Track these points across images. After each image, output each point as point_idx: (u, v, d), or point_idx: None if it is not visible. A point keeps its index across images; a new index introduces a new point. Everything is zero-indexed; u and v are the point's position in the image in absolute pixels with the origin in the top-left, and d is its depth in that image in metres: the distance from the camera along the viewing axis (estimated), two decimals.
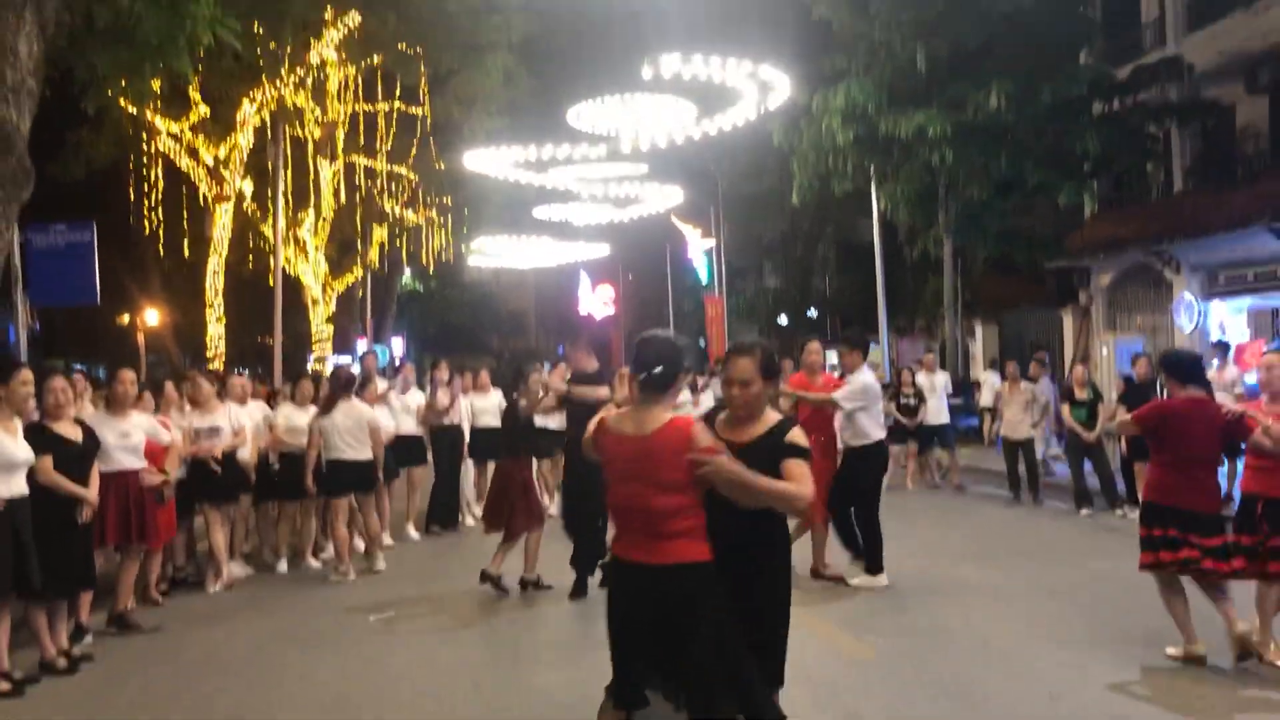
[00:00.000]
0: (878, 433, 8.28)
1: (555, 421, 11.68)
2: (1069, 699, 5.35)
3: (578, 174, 21.87)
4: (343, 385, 9.39)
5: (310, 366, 21.90)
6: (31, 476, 6.15)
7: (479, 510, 12.28)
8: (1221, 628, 5.85)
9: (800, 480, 3.68)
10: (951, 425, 14.83)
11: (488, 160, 20.52)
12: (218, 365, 17.23)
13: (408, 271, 35.05)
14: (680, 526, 3.69)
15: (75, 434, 6.66)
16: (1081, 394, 12.15)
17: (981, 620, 7.01)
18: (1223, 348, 12.17)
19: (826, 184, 20.92)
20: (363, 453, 9.19)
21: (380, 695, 5.83)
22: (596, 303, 44.66)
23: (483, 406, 12.12)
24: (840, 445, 8.59)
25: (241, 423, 9.17)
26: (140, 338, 33.74)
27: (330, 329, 23.76)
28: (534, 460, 8.15)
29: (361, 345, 30.84)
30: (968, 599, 7.67)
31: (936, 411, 14.32)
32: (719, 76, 15.90)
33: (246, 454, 9.21)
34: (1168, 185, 22.54)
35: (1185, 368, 6.22)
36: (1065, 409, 12.28)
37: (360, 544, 9.74)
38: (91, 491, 6.60)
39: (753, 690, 3.64)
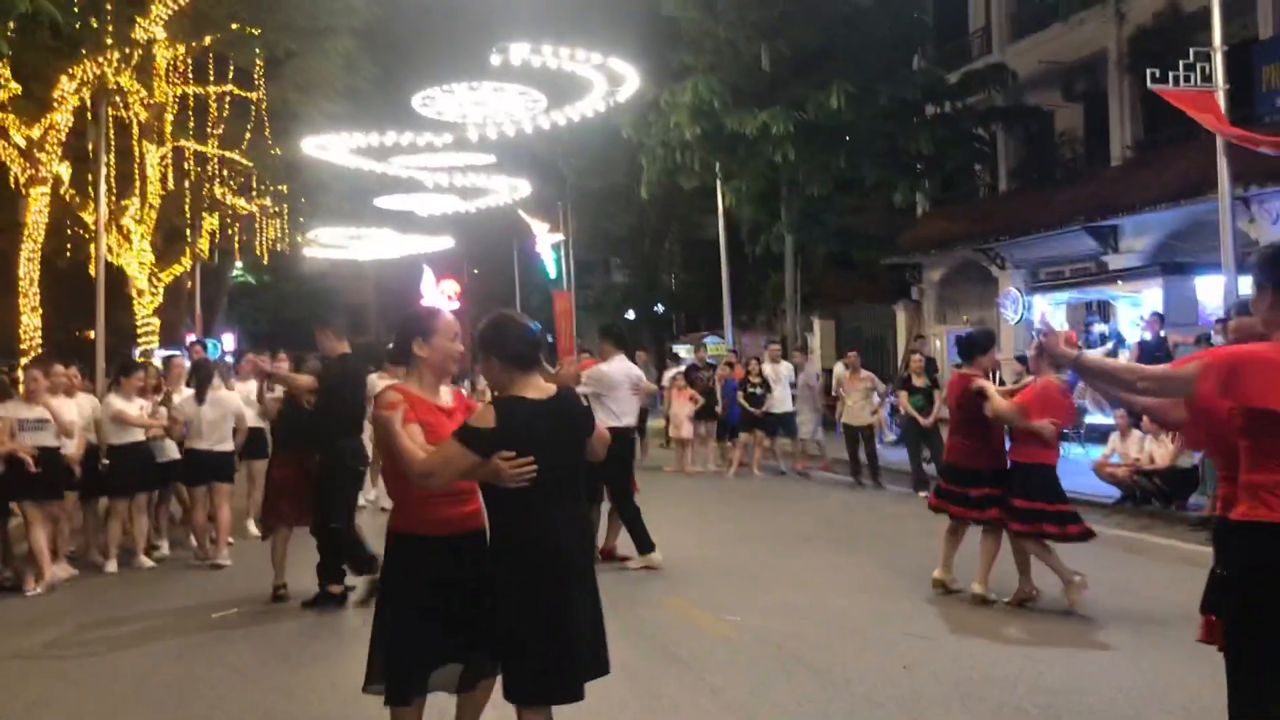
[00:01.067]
0: (612, 420, 8.44)
1: None
2: (920, 668, 5.51)
3: (422, 163, 21.42)
4: (209, 375, 9.41)
5: (135, 360, 20.73)
6: None
7: (371, 493, 12.00)
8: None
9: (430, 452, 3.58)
10: (794, 413, 15.20)
11: (327, 146, 19.87)
12: (32, 359, 16.06)
13: (239, 264, 33.64)
14: (394, 497, 3.95)
15: None
16: (919, 381, 12.65)
17: (833, 599, 7.18)
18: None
19: (674, 180, 21.16)
20: (225, 444, 9.22)
21: (228, 693, 5.53)
22: (440, 297, 43.87)
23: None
24: None
25: (69, 416, 8.58)
26: None
27: (157, 322, 22.54)
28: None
29: (190, 340, 29.50)
30: (818, 579, 7.84)
31: (781, 400, 14.65)
32: (568, 67, 15.84)
33: (72, 448, 8.62)
34: (993, 186, 23.74)
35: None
36: (903, 396, 12.75)
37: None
38: None
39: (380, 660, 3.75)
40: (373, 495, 12.65)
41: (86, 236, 21.07)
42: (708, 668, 5.59)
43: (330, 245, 30.15)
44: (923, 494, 12.25)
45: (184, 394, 9.58)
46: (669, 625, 6.55)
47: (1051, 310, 18.04)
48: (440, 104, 17.20)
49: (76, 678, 5.93)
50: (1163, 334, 12.03)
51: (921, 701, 4.98)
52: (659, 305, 34.63)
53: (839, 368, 14.25)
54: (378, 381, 12.47)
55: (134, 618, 7.34)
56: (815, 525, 10.70)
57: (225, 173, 22.46)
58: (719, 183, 21.79)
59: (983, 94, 21.23)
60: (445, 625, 3.70)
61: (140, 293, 21.74)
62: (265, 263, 27.18)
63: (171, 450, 9.42)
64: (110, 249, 20.43)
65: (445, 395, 4.01)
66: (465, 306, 45.89)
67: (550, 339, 37.72)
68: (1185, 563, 8.23)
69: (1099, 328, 16.31)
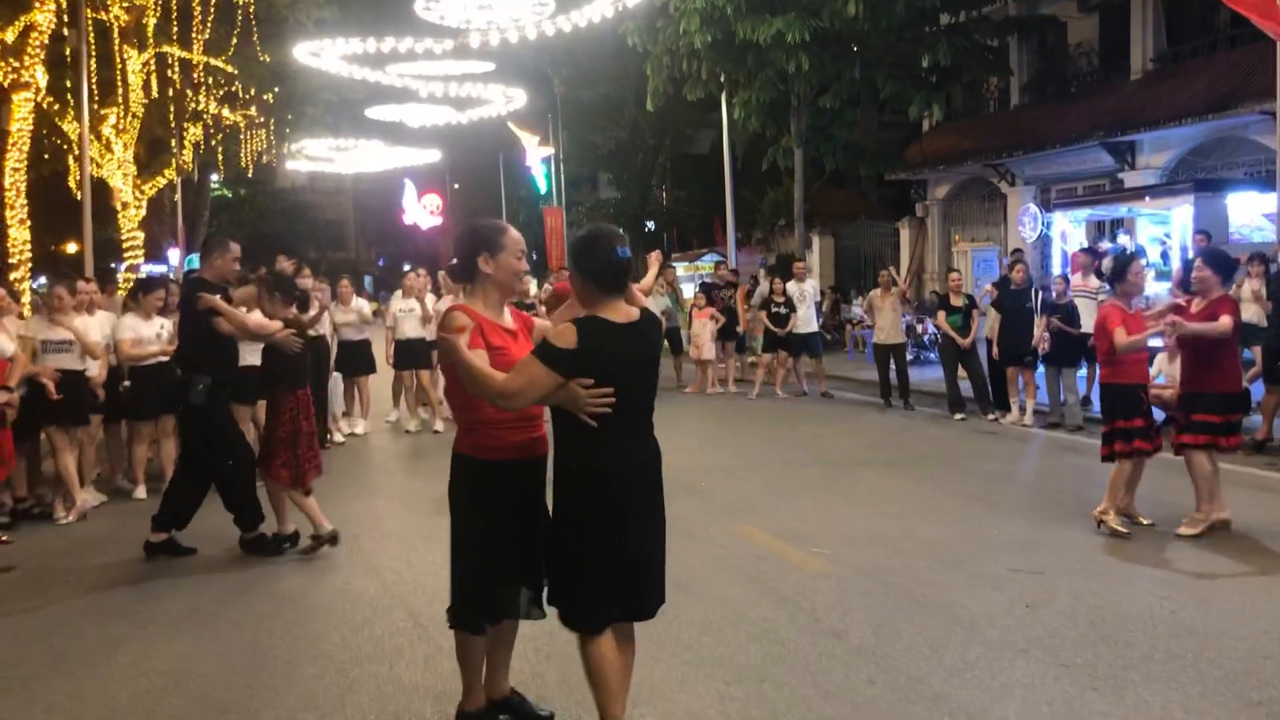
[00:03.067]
0: None
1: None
2: (1044, 607, 5.23)
3: (418, 71, 20.54)
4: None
5: (121, 275, 20.03)
6: None
7: (346, 426, 11.64)
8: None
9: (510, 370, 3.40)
10: (819, 333, 14.88)
11: (320, 53, 18.95)
12: (23, 274, 15.39)
13: (214, 177, 32.62)
14: (460, 420, 3.73)
15: None
16: (957, 301, 12.31)
17: (917, 528, 6.88)
18: (1091, 253, 12.49)
19: (679, 91, 20.47)
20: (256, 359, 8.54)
21: (297, 629, 5.18)
22: (422, 213, 42.99)
23: (345, 319, 11.46)
24: None
25: (94, 337, 8.06)
26: None
27: (142, 235, 21.75)
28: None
29: (174, 254, 28.66)
30: (891, 507, 7.55)
31: (806, 320, 14.28)
32: None
33: (95, 370, 8.12)
34: (1002, 100, 23.19)
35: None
36: (941, 316, 12.41)
37: None
38: None
39: (452, 586, 3.75)
40: (393, 417, 12.30)
41: (64, 147, 20.19)
42: (820, 608, 5.28)
43: (315, 158, 29.17)
44: (958, 416, 12.04)
45: None
46: (759, 559, 6.22)
47: (1072, 227, 17.68)
48: (444, 6, 16.34)
49: (139, 615, 5.54)
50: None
51: (1064, 645, 4.69)
52: (650, 223, 33.98)
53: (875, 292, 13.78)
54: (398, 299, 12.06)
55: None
56: (861, 448, 10.42)
57: (210, 81, 21.50)
58: (724, 95, 21.10)
59: (998, 3, 20.58)
60: (514, 550, 3.62)
61: (125, 205, 20.92)
62: (250, 175, 26.21)
63: None
64: (93, 160, 19.60)
65: (507, 315, 3.75)
66: (448, 222, 45.07)
67: (536, 256, 37.10)
68: (1252, 488, 8.04)
69: (1124, 239, 15.96)
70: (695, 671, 4.44)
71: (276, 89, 22.78)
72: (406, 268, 26.66)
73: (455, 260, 3.72)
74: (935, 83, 19.76)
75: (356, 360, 11.66)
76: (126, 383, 8.59)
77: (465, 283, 3.77)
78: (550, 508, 3.55)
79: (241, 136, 24.11)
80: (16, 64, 15.66)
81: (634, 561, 3.43)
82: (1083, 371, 11.76)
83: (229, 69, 21.13)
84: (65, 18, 16.30)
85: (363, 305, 12.08)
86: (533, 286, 14.75)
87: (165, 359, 8.51)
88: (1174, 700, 4.09)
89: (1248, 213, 15.03)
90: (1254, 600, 5.29)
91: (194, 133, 22.99)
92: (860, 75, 18.97)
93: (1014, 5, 21.27)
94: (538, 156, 30.79)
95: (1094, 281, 11.74)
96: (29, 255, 15.70)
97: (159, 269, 25.48)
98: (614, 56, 26.77)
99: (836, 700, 4.16)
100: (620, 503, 3.38)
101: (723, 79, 20.50)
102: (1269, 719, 3.91)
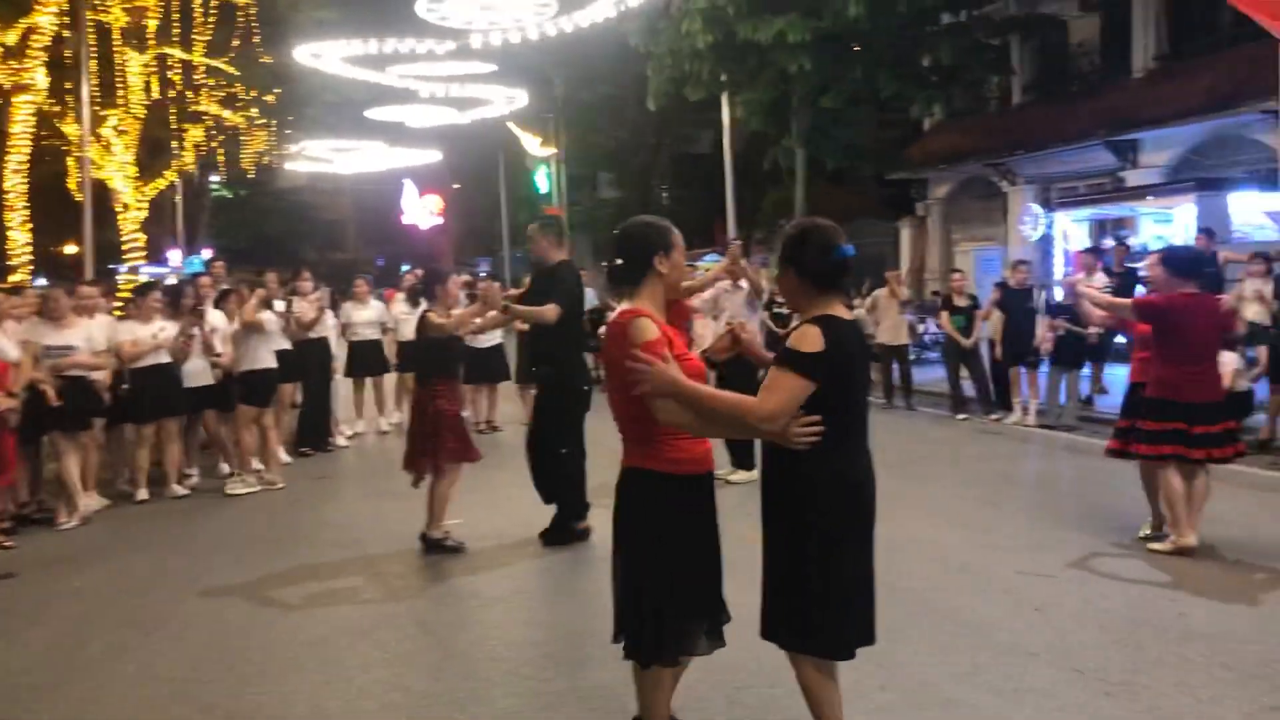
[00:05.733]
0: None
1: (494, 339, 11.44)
2: (1054, 611, 5.22)
3: (420, 72, 20.53)
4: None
5: (121, 278, 20.01)
6: None
7: (350, 430, 11.63)
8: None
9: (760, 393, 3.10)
10: None
11: (321, 54, 18.94)
12: (23, 276, 15.37)
13: (213, 178, 32.56)
14: (634, 433, 3.34)
15: None
16: (960, 301, 12.29)
17: (922, 531, 6.86)
18: (1095, 253, 12.48)
19: (680, 91, 20.43)
20: (272, 361, 9.06)
21: (303, 635, 5.16)
22: (422, 213, 42.94)
23: (362, 318, 11.45)
24: None
25: (99, 341, 8.05)
26: None
27: (143, 237, 21.70)
28: (456, 386, 7.09)
29: (174, 255, 28.64)
30: (896, 510, 7.48)
31: None
32: None
33: (101, 375, 8.10)
34: (1002, 99, 23.16)
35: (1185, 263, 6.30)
36: (944, 316, 12.40)
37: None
38: None
39: (640, 618, 3.30)
40: (396, 419, 12.27)
41: (64, 148, 20.15)
42: None
43: (315, 159, 29.15)
44: (961, 416, 12.03)
45: (210, 314, 9.07)
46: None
47: (1074, 227, 17.66)
48: (447, 8, 16.31)
49: (145, 622, 5.52)
50: (1215, 250, 11.69)
51: (1075, 649, 4.67)
52: None
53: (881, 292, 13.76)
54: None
55: (174, 555, 6.93)
56: None
57: (211, 82, 21.46)
58: (725, 95, 21.06)
59: (999, 2, 20.55)
60: (706, 572, 3.39)
61: (126, 207, 20.87)
62: (250, 175, 26.17)
63: (203, 374, 8.91)
64: (94, 162, 19.57)
65: None
66: (449, 222, 45.03)
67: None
68: (1258, 488, 8.03)
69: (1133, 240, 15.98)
70: (705, 678, 4.42)
71: (277, 90, 22.75)
72: (405, 268, 26.67)
73: (620, 261, 3.44)
74: (936, 82, 19.70)
75: (371, 360, 11.64)
76: (126, 385, 8.57)
77: (627, 285, 3.43)
78: (770, 526, 3.25)
79: (242, 138, 24.07)
80: (17, 66, 15.64)
81: (869, 585, 3.25)
82: (1086, 372, 11.77)
83: (230, 70, 21.11)
84: (64, 20, 16.28)
85: (379, 305, 12.05)
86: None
87: (168, 360, 8.52)
88: (1187, 705, 4.07)
89: (1249, 212, 15.00)
90: (1263, 603, 5.28)
91: (195, 134, 22.96)
92: (861, 75, 18.90)
93: (1015, 4, 21.23)
94: (538, 157, 30.74)
95: (1100, 280, 11.72)
96: (29, 257, 15.68)
97: (160, 271, 25.47)
98: (615, 57, 26.70)
99: (849, 706, 4.08)
100: (866, 517, 3.21)
101: (724, 79, 20.44)
102: None
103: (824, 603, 3.14)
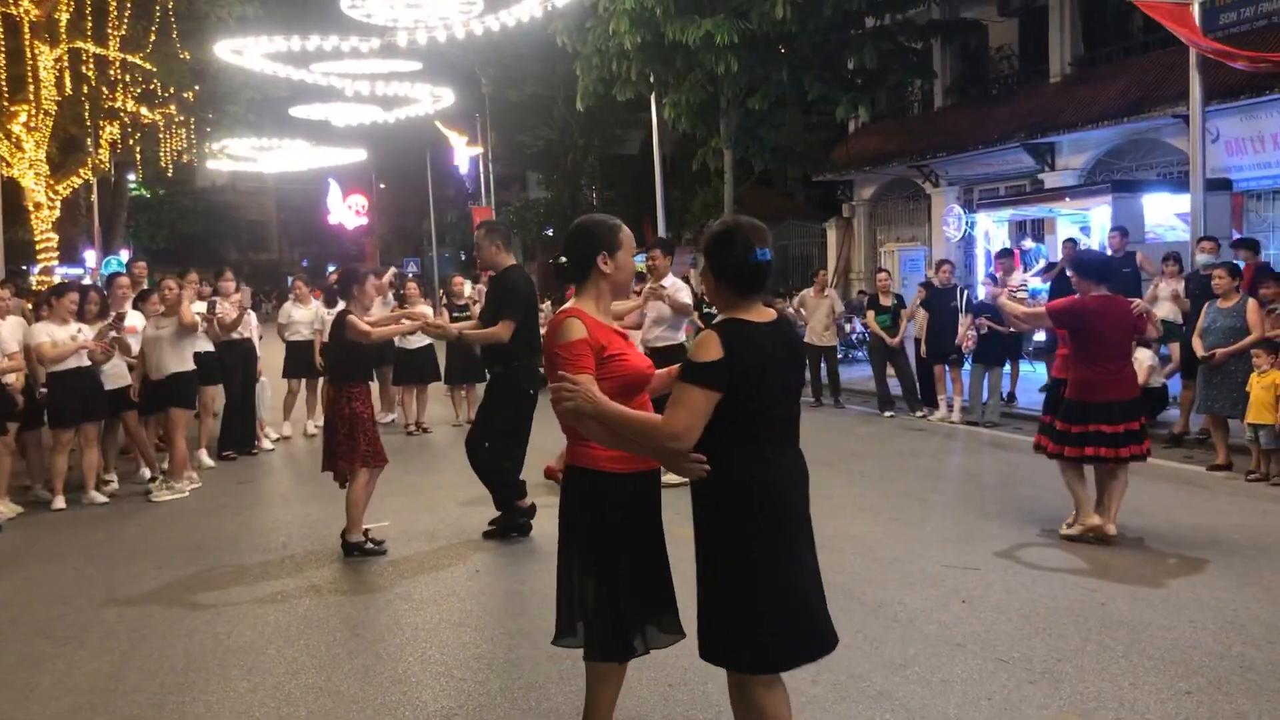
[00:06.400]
0: None
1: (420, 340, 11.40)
2: (979, 602, 5.32)
3: (344, 69, 20.22)
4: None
5: (34, 279, 19.42)
6: None
7: (275, 432, 11.42)
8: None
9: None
10: None
11: (243, 50, 18.55)
12: None
13: (131, 177, 31.75)
14: (575, 432, 3.31)
15: None
16: (886, 300, 12.48)
17: (850, 526, 6.95)
18: (1010, 254, 12.75)
19: (609, 91, 20.44)
20: (188, 364, 8.85)
21: (229, 642, 5.05)
22: (348, 213, 42.37)
23: (303, 317, 11.31)
24: None
25: (10, 343, 7.79)
26: None
27: (56, 238, 21.07)
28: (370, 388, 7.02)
29: (90, 256, 27.86)
30: (824, 505, 7.53)
31: None
32: None
33: (13, 378, 7.85)
34: (926, 103, 23.58)
35: (1096, 267, 6.54)
36: (870, 315, 12.58)
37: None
38: None
39: (587, 615, 3.31)
40: (287, 431, 11.90)
41: None
42: None
43: (237, 158, 28.57)
44: (888, 414, 12.22)
45: (131, 315, 8.84)
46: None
47: (995, 227, 18.04)
48: (371, 5, 16.10)
49: (61, 632, 5.35)
50: (1130, 250, 12.01)
51: (1001, 639, 4.77)
52: None
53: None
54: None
55: (90, 565, 6.73)
56: None
57: (127, 78, 20.90)
58: (654, 96, 21.12)
59: (921, 6, 20.90)
60: (650, 570, 3.36)
61: (37, 206, 20.24)
62: (169, 174, 25.55)
63: (122, 376, 8.68)
64: (1, 159, 18.97)
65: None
66: (372, 222, 44.52)
67: (465, 256, 36.64)
68: (1172, 480, 8.28)
69: (1029, 243, 16.47)
70: (638, 675, 4.42)
71: (197, 87, 22.26)
72: (330, 269, 26.26)
73: (564, 259, 3.43)
74: (861, 85, 19.99)
75: (308, 361, 11.46)
76: (44, 389, 8.32)
77: (573, 283, 3.45)
78: (696, 535, 3.12)
79: (160, 135, 23.47)
80: None
81: (804, 591, 3.01)
82: (1007, 369, 12.04)
83: (147, 66, 20.59)
84: None
85: (318, 305, 11.84)
86: (467, 288, 14.59)
87: (87, 363, 8.28)
88: (1108, 691, 4.18)
89: (1162, 213, 15.47)
90: (1179, 591, 5.44)
91: (110, 131, 22.34)
92: (788, 77, 19.09)
93: (937, 9, 21.62)
94: (465, 156, 30.52)
95: (1017, 279, 12.00)
96: None
97: (74, 272, 24.77)
98: (542, 56, 26.66)
99: None
100: (787, 522, 3.01)
101: (652, 80, 20.50)
102: (1199, 707, 4.01)
103: (740, 613, 2.97)
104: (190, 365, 8.82)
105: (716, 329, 2.95)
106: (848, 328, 17.46)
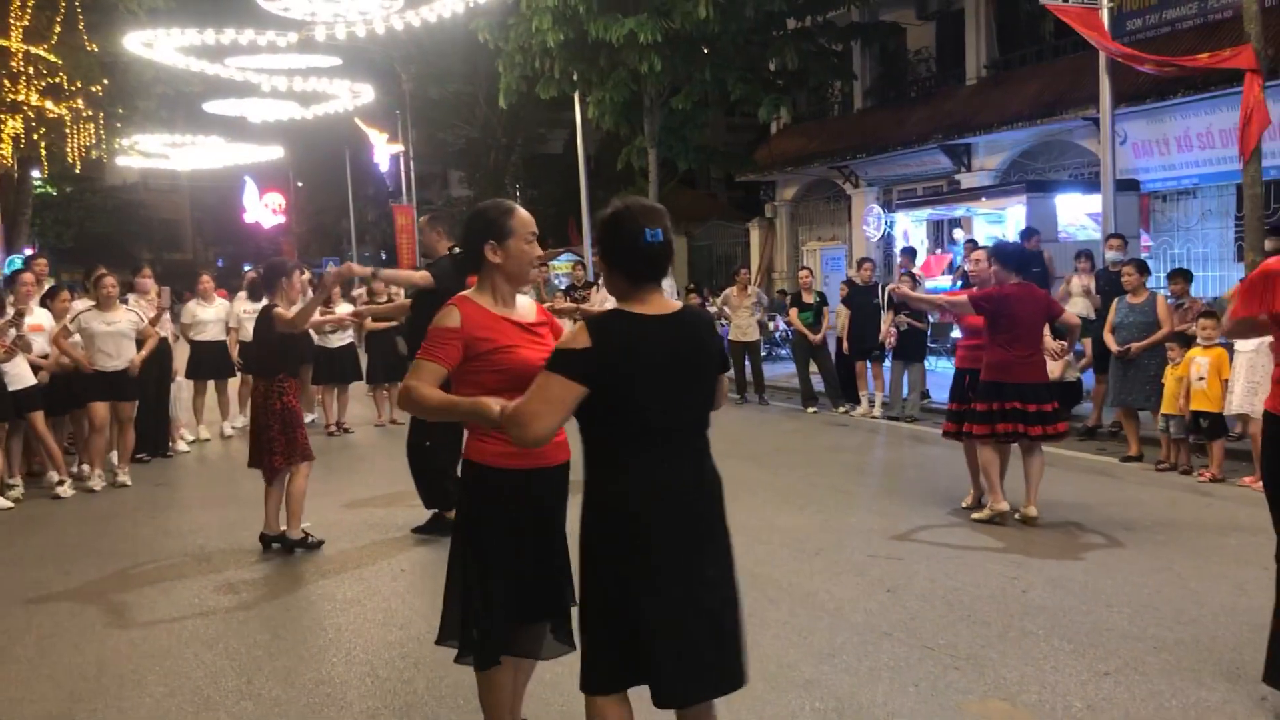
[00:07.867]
0: None
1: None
2: (904, 591, 5.39)
3: (260, 64, 19.80)
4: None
5: None
6: None
7: (190, 435, 11.15)
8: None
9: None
10: None
11: (154, 43, 18.07)
12: None
13: (35, 174, 30.68)
14: (471, 426, 3.24)
15: None
16: (809, 298, 12.61)
17: (776, 518, 7.00)
18: (911, 253, 13.03)
19: (531, 89, 20.33)
20: (122, 362, 8.78)
21: (144, 647, 4.90)
22: (264, 211, 41.51)
23: (209, 317, 11.04)
24: None
25: None
26: None
27: None
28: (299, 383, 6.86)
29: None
30: (749, 498, 7.63)
31: None
32: None
33: None
34: (846, 104, 23.91)
35: (1014, 257, 6.90)
36: (793, 313, 12.70)
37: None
38: None
39: (464, 617, 3.24)
40: (241, 422, 11.80)
41: None
42: None
43: (149, 154, 27.78)
44: (812, 409, 12.36)
45: (37, 313, 8.55)
46: None
47: (913, 227, 18.36)
48: None
49: None
50: (1041, 249, 12.31)
51: (925, 627, 4.84)
52: None
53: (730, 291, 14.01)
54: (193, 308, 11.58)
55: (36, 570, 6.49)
56: (719, 441, 10.30)
57: (31, 70, 20.19)
58: (577, 94, 21.07)
59: (841, 9, 21.19)
60: (533, 574, 3.20)
61: None
62: (77, 171, 24.73)
63: (26, 376, 8.36)
64: None
65: (526, 308, 3.35)
66: (290, 221, 43.66)
67: (386, 256, 36.20)
68: (1086, 471, 8.51)
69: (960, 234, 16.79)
70: (568, 669, 4.37)
71: (105, 81, 21.57)
72: (246, 268, 25.71)
73: (459, 250, 3.33)
74: (783, 86, 20.20)
75: (217, 362, 11.20)
76: None
77: (474, 274, 3.31)
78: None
79: (67, 130, 22.72)
80: None
81: (672, 624, 2.69)
82: (928, 365, 12.27)
83: (52, 58, 19.91)
84: None
85: (224, 303, 11.57)
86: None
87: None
88: (1030, 675, 4.26)
89: (1074, 212, 15.90)
90: (1095, 577, 5.58)
91: (13, 126, 21.55)
92: (711, 77, 19.20)
93: (857, 11, 21.92)
94: (385, 153, 30.08)
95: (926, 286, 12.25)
96: None
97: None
98: (464, 53, 26.38)
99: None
100: (648, 549, 2.69)
101: (575, 78, 20.44)
102: (1117, 687, 4.11)
103: (583, 631, 2.79)
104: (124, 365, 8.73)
105: (590, 321, 2.71)
106: (771, 325, 17.63)
